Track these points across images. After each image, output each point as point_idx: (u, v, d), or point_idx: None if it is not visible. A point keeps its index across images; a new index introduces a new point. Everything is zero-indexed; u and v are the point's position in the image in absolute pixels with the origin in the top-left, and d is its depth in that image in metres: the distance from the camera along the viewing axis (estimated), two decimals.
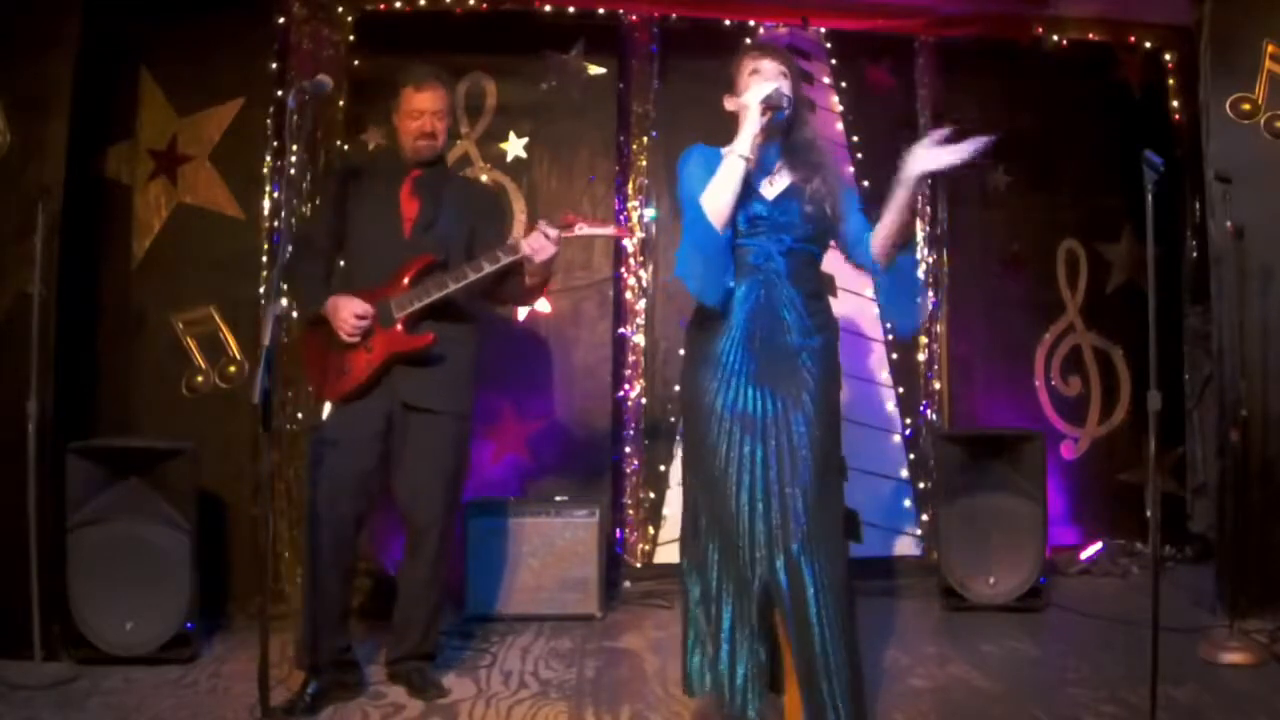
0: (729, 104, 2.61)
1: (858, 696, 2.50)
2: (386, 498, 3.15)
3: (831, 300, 4.57)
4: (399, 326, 2.98)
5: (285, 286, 3.10)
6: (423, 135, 3.09)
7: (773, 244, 2.57)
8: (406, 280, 2.99)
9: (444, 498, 3.09)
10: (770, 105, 2.47)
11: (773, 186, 2.60)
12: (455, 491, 3.16)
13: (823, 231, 2.62)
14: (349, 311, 2.93)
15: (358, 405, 2.99)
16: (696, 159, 2.60)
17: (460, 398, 3.12)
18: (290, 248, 3.00)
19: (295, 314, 2.79)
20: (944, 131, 2.46)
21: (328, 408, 3.04)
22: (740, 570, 2.54)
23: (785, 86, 2.54)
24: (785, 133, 2.62)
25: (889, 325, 2.77)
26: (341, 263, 3.17)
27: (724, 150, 2.51)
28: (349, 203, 3.10)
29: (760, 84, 2.51)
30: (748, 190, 2.56)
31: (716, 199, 2.48)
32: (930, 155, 2.43)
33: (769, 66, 2.56)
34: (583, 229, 2.99)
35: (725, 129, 2.61)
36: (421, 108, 3.08)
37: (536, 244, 2.91)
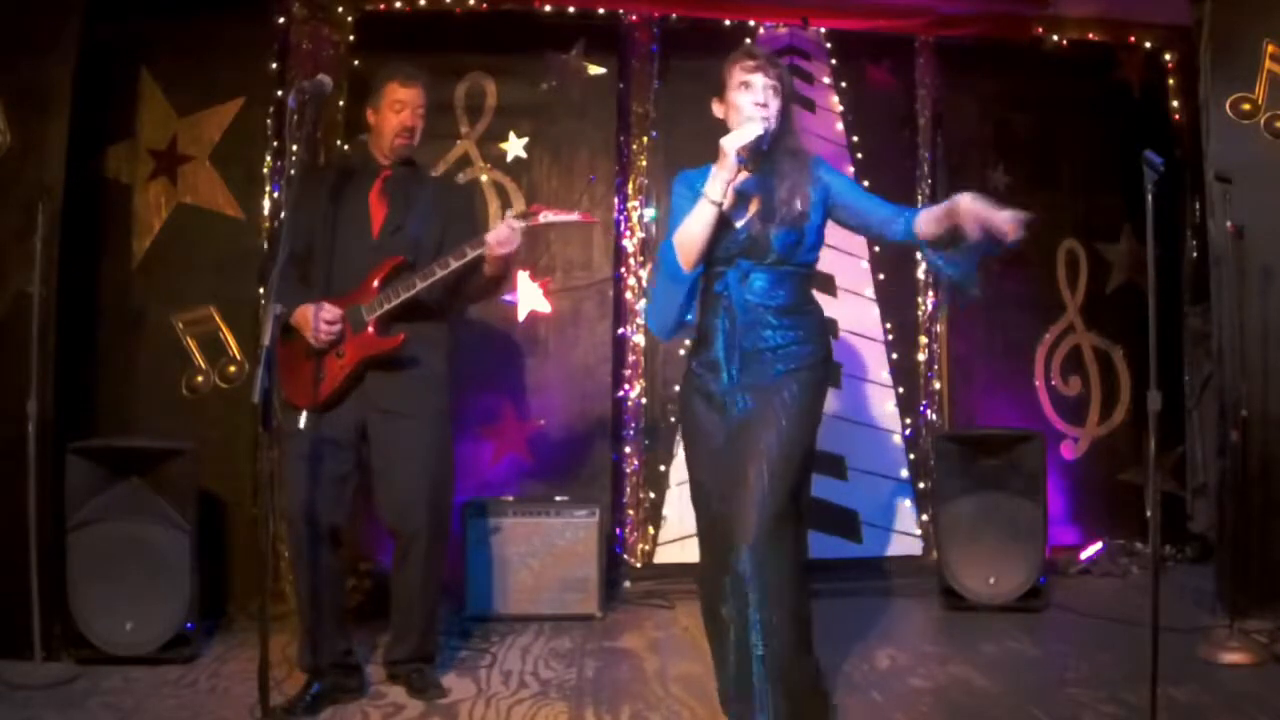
0: (717, 110, 2.61)
1: (793, 697, 2.48)
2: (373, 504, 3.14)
3: (831, 300, 4.58)
4: (370, 330, 2.94)
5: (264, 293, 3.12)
6: (403, 130, 3.05)
7: (748, 269, 2.55)
8: (376, 284, 2.96)
9: (429, 502, 3.03)
10: (747, 156, 2.45)
11: (749, 211, 2.57)
12: (442, 494, 3.10)
13: (798, 248, 2.58)
14: (319, 318, 2.89)
15: (331, 414, 2.95)
16: (680, 190, 2.60)
17: (436, 399, 3.07)
18: (273, 258, 2.99)
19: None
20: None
21: (304, 417, 2.97)
22: (718, 569, 2.56)
23: (774, 109, 2.52)
24: (768, 146, 2.57)
25: (950, 290, 2.74)
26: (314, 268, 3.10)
27: (703, 189, 2.48)
28: (320, 206, 3.05)
29: (745, 114, 2.48)
30: (721, 219, 2.53)
31: (686, 239, 2.48)
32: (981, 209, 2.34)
33: (758, 82, 2.52)
34: (548, 217, 2.96)
35: (724, 129, 2.60)
36: (404, 99, 3.06)
37: (501, 235, 2.89)
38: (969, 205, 2.33)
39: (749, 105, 2.51)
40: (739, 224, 2.56)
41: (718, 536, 2.56)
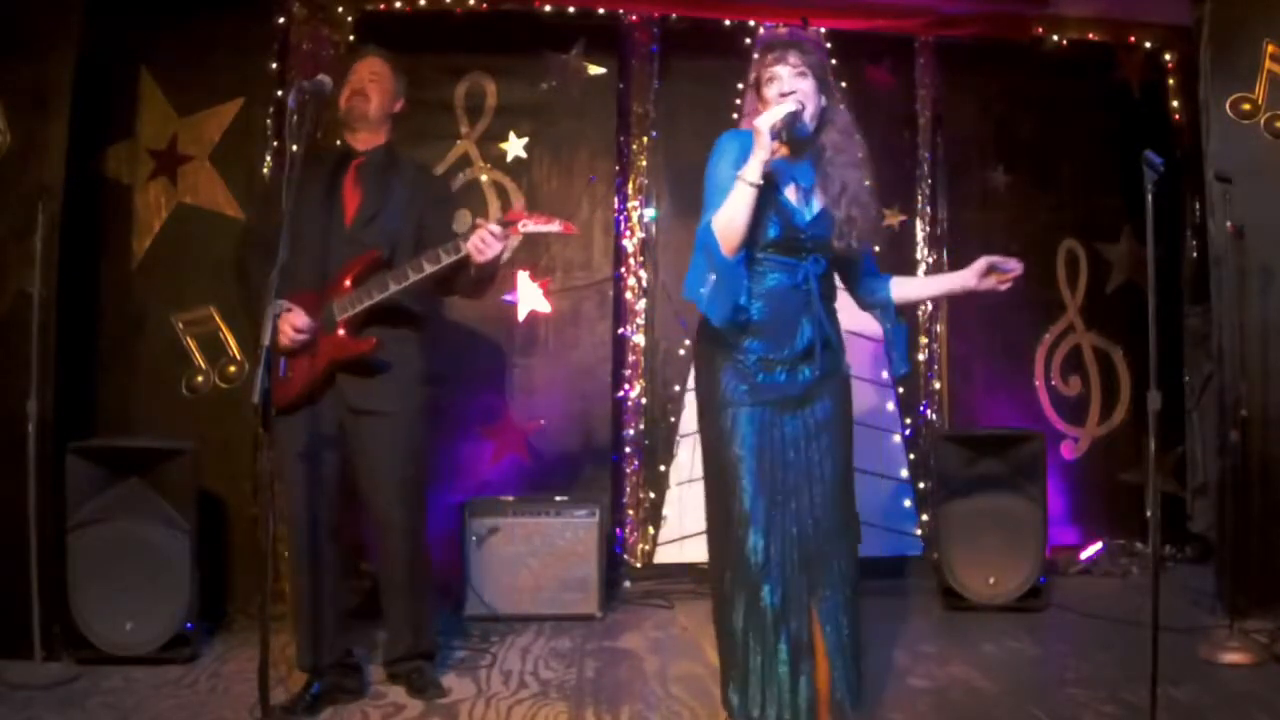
0: (759, 107, 2.59)
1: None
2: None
3: None
4: (341, 331, 2.89)
5: (240, 285, 3.08)
6: (351, 95, 3.03)
7: (812, 265, 2.55)
8: (348, 282, 2.90)
9: (402, 498, 3.02)
10: (781, 130, 2.42)
11: (809, 206, 2.57)
12: (415, 490, 3.09)
13: (842, 252, 2.61)
14: (288, 324, 2.83)
15: (308, 412, 2.92)
16: (727, 154, 2.53)
17: (409, 397, 3.02)
18: (249, 249, 3.00)
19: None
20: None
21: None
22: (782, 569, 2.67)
23: (806, 89, 2.51)
24: (814, 137, 2.57)
25: (892, 367, 2.87)
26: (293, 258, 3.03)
27: (737, 174, 2.45)
28: (302, 197, 2.91)
29: (776, 104, 2.47)
30: (784, 208, 2.53)
31: (727, 225, 2.43)
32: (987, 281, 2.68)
33: (783, 72, 2.51)
34: (528, 226, 2.89)
35: (725, 129, 2.59)
36: (358, 73, 3.07)
37: (479, 243, 2.80)
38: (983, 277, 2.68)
39: (776, 97, 2.51)
40: (808, 216, 2.55)
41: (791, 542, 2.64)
